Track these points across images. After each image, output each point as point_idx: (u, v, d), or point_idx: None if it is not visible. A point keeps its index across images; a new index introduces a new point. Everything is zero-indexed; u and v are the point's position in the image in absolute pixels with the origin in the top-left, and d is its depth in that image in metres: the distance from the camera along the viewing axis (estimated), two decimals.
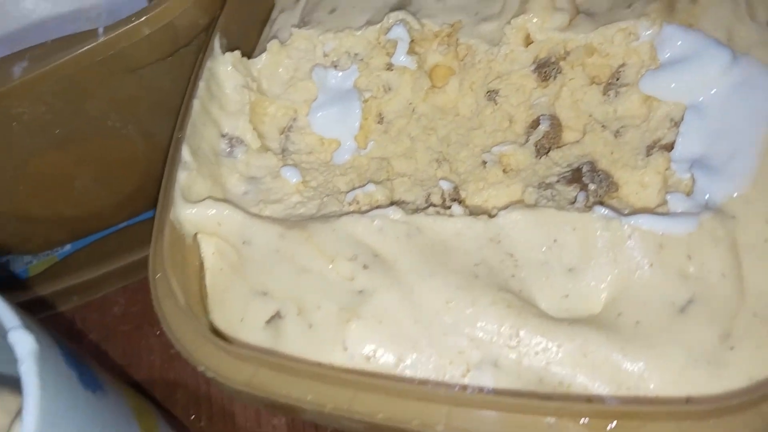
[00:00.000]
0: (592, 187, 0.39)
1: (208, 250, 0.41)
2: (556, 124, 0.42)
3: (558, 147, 0.42)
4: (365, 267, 0.38)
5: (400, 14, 0.45)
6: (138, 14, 0.46)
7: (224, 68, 0.45)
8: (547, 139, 0.42)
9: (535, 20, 0.43)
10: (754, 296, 0.35)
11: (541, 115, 0.43)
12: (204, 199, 0.41)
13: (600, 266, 0.37)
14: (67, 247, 0.61)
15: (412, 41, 0.46)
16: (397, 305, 0.36)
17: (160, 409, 0.51)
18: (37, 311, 0.58)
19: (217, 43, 0.45)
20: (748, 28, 0.41)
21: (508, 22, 0.44)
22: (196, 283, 0.40)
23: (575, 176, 0.40)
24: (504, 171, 0.42)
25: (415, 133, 0.44)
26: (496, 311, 0.36)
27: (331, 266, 0.38)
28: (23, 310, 0.35)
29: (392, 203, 0.42)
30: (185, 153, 0.41)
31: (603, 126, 0.42)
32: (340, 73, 0.46)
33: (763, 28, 0.41)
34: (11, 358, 0.32)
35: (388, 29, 0.45)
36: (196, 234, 0.41)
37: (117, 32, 0.45)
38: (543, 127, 0.42)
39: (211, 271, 0.41)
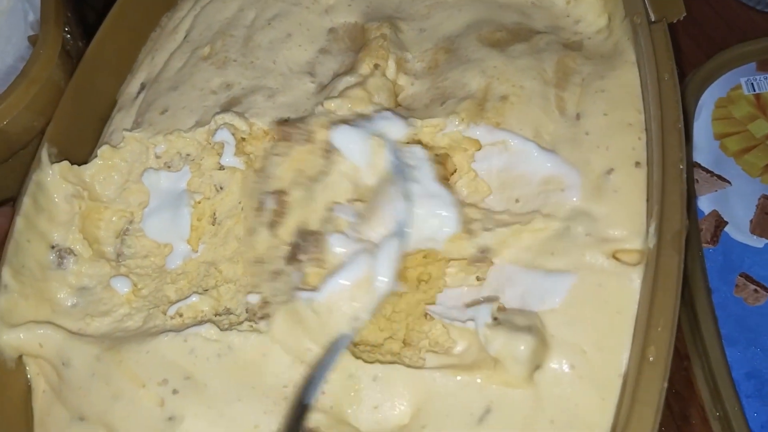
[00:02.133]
0: (303, 257, 0.40)
1: (33, 371, 0.41)
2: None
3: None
4: (175, 392, 0.38)
5: (225, 117, 0.45)
6: None
7: (52, 179, 0.45)
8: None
9: (347, 105, 0.43)
10: (551, 402, 0.36)
11: None
12: (26, 323, 0.41)
13: (402, 373, 0.37)
14: None
15: (242, 140, 0.46)
16: None
17: None
18: None
19: (44, 154, 0.45)
20: (557, 125, 0.42)
21: (321, 104, 0.44)
22: (20, 406, 0.41)
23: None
24: None
25: (242, 234, 0.44)
26: None
27: (141, 391, 0.38)
28: None
29: (217, 314, 0.42)
30: (5, 276, 0.41)
31: None
32: (173, 175, 0.46)
33: (572, 123, 0.42)
34: None
35: (215, 132, 0.45)
36: (20, 356, 0.41)
37: None
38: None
39: (35, 392, 0.41)
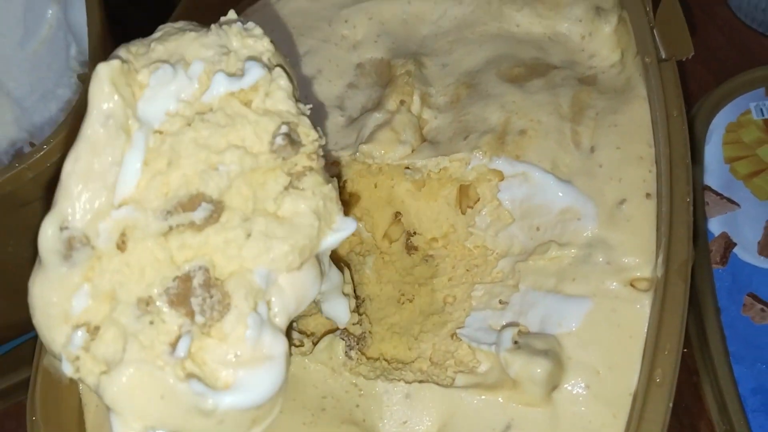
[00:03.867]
0: (199, 318, 0.29)
1: (86, 388, 0.45)
2: None
3: None
4: None
5: None
6: (20, 159, 0.49)
7: None
8: None
9: (380, 150, 0.47)
10: (566, 419, 0.39)
11: None
12: None
13: (431, 391, 0.40)
14: None
15: None
16: None
17: None
18: None
19: None
20: (573, 157, 0.45)
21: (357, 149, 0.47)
22: (74, 420, 0.44)
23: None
24: None
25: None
26: None
27: None
28: None
29: None
30: None
31: None
32: None
33: (586, 156, 0.45)
34: None
35: None
36: None
37: (1, 179, 0.49)
38: None
39: (87, 407, 0.44)
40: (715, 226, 0.57)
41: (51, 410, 0.43)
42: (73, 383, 0.45)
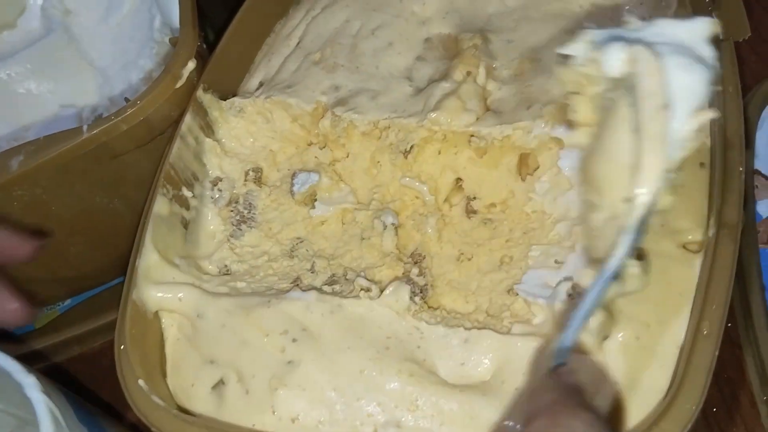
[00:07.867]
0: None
1: (168, 323, 0.49)
2: None
3: None
4: (294, 340, 0.45)
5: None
6: (117, 113, 0.53)
7: None
8: None
9: (447, 117, 0.50)
10: (615, 366, 0.41)
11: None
12: (168, 283, 0.48)
13: (489, 337, 0.43)
14: (68, 302, 0.69)
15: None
16: (319, 374, 0.43)
17: None
18: (35, 362, 0.66)
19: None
20: None
21: (426, 116, 0.51)
22: (156, 351, 0.48)
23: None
24: None
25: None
26: (400, 380, 0.43)
27: (265, 339, 0.45)
28: (25, 363, 0.42)
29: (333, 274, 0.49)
30: (148, 239, 0.49)
31: None
32: None
33: None
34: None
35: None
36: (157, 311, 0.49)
37: (98, 129, 0.53)
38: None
39: (170, 341, 0.48)
40: (764, 208, 0.58)
41: (137, 341, 0.46)
42: (156, 318, 0.49)
